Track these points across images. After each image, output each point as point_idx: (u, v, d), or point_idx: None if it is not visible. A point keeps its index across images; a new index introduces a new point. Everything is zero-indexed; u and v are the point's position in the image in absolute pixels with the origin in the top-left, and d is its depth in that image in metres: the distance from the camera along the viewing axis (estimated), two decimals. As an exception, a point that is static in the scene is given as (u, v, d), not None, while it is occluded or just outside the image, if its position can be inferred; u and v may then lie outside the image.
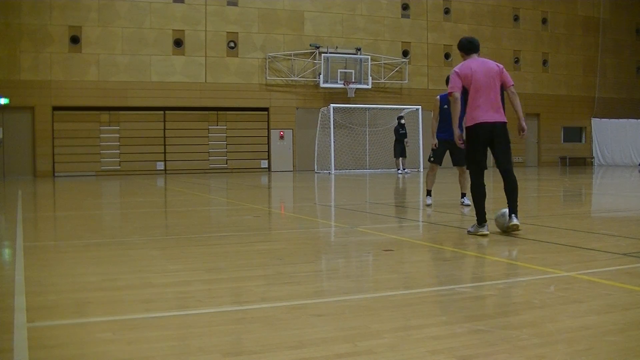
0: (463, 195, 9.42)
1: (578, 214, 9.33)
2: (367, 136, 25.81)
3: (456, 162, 9.31)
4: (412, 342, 2.89)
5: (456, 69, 6.52)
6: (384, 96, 26.96)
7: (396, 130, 21.96)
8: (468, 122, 6.42)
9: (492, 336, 2.95)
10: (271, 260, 5.17)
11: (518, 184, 6.41)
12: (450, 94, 6.52)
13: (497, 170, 6.47)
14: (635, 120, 29.20)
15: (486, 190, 6.46)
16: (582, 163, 30.77)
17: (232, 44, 24.97)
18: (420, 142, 23.65)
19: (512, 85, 6.44)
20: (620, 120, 29.96)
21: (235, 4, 24.95)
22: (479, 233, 6.34)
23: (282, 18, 25.58)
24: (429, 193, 9.67)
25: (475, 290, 3.96)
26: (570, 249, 5.52)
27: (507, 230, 6.33)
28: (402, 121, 22.09)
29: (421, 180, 13.45)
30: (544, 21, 30.61)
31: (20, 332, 3.07)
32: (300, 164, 25.83)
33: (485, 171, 6.47)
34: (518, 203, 6.36)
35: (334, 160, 23.07)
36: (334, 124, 23.25)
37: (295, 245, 6.12)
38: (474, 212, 6.44)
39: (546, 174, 21.59)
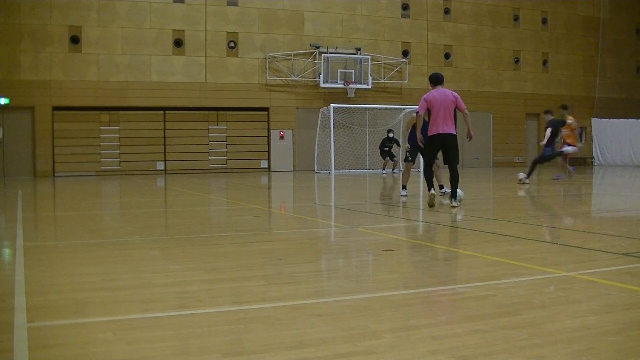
0: (441, 187, 10.99)
1: (578, 214, 9.32)
2: (367, 136, 25.80)
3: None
4: (412, 342, 2.89)
5: (425, 96, 9.26)
6: (384, 96, 26.95)
7: (382, 143, 22.57)
8: (429, 132, 9.22)
9: (492, 336, 2.95)
10: (271, 260, 5.17)
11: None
12: (417, 112, 9.38)
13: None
14: (635, 120, 29.17)
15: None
16: (582, 163, 30.73)
17: (232, 44, 24.96)
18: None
19: (465, 108, 9.18)
20: (620, 120, 29.92)
21: (235, 4, 24.94)
22: (429, 194, 9.28)
23: (282, 18, 25.58)
24: (404, 187, 11.49)
25: (475, 290, 3.95)
26: (570, 249, 5.52)
27: (452, 206, 8.94)
28: (391, 135, 22.30)
29: (420, 180, 13.58)
30: (544, 21, 30.60)
31: (20, 332, 3.06)
32: (300, 164, 25.82)
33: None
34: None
35: (334, 160, 23.07)
36: (334, 124, 23.25)
37: (295, 245, 6.12)
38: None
39: (546, 174, 21.56)
